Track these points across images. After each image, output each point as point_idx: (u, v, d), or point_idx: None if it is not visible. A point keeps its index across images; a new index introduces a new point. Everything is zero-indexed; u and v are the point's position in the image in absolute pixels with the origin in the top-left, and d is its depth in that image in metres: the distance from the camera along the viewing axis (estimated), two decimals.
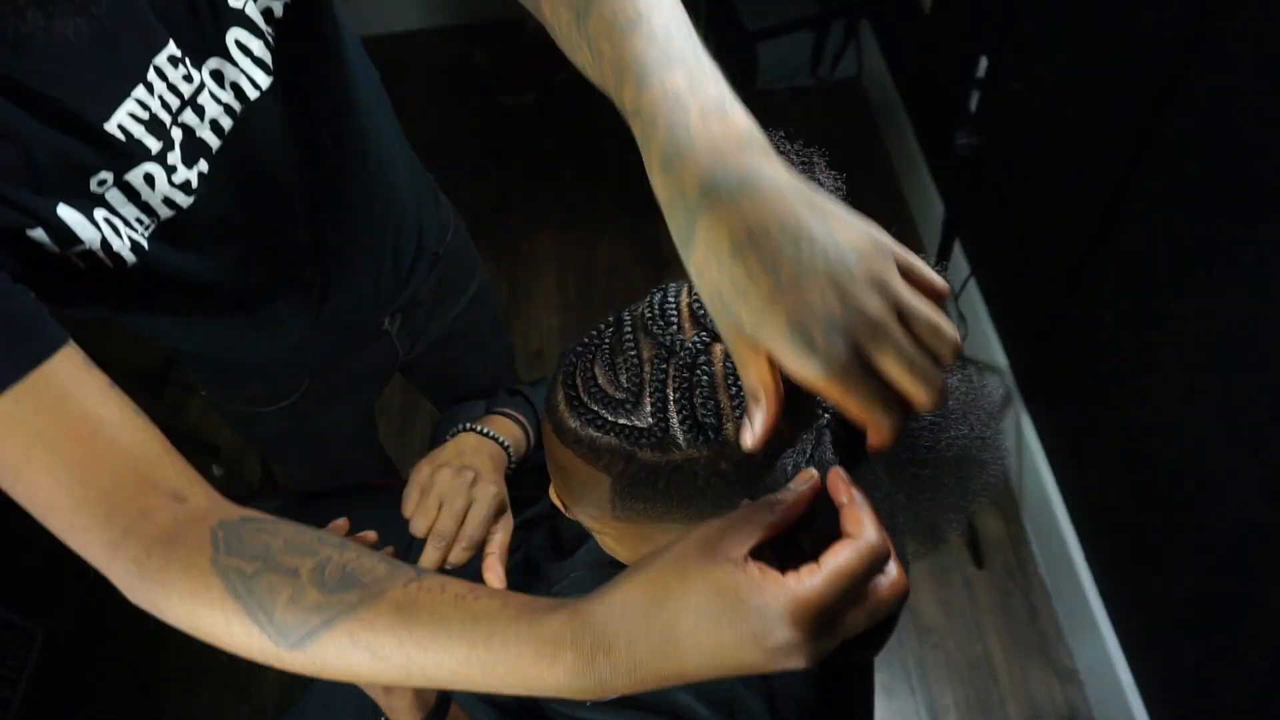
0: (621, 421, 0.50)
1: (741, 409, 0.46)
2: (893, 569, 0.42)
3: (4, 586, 1.86)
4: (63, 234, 0.57)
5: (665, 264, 2.26)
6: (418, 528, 0.79)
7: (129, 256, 0.62)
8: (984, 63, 1.37)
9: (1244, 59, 1.03)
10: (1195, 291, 1.16)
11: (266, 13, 0.65)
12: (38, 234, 0.56)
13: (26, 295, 0.55)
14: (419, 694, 0.70)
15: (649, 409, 0.49)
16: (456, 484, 0.79)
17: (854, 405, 0.38)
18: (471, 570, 0.81)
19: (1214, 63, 1.08)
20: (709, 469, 0.48)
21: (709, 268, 0.39)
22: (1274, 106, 0.98)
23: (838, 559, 0.40)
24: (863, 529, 0.41)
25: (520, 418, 0.92)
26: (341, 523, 0.79)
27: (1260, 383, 1.06)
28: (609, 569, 0.75)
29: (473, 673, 0.44)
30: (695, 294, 0.51)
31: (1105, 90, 1.33)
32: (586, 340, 0.53)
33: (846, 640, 0.69)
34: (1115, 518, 1.47)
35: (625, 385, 0.50)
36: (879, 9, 2.44)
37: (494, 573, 0.79)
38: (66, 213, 0.57)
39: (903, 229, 2.27)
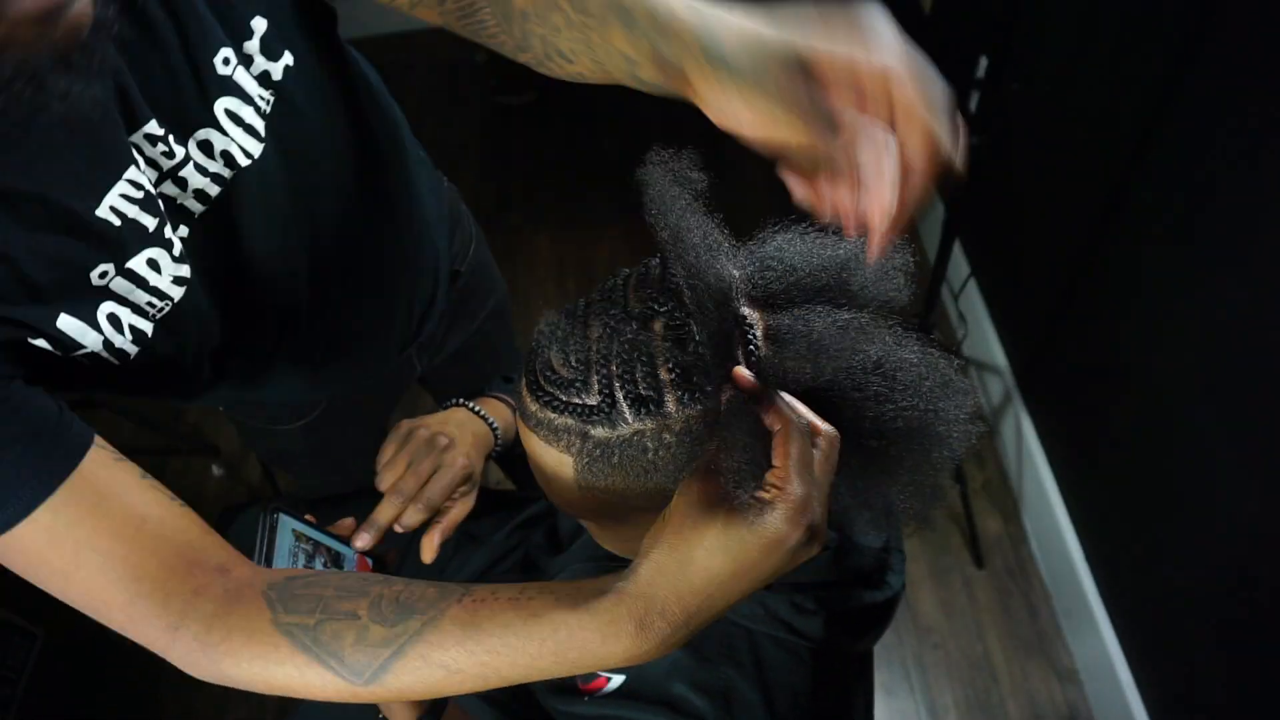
0: (574, 401, 0.52)
1: (678, 383, 0.50)
2: (822, 431, 0.48)
3: (4, 586, 1.85)
4: (64, 343, 0.56)
5: None
6: (382, 481, 0.80)
7: (131, 350, 0.60)
8: (984, 63, 1.37)
9: (1244, 58, 1.03)
10: (1195, 290, 1.16)
11: (263, 76, 0.63)
12: (40, 343, 0.55)
13: (45, 399, 0.55)
14: None
15: (596, 387, 0.52)
16: (428, 447, 0.81)
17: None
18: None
19: (1213, 62, 1.08)
20: (656, 440, 0.51)
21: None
22: (1274, 106, 0.98)
23: (787, 454, 0.46)
24: (779, 421, 0.47)
25: (513, 402, 0.94)
26: (348, 521, 0.79)
27: (1260, 382, 1.06)
28: (604, 562, 0.76)
29: (545, 664, 0.48)
30: (639, 274, 0.54)
31: (1105, 90, 1.33)
32: (546, 328, 0.56)
33: (844, 629, 0.69)
34: (1115, 518, 1.47)
35: (574, 365, 0.53)
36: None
37: (429, 545, 0.80)
38: (67, 323, 0.55)
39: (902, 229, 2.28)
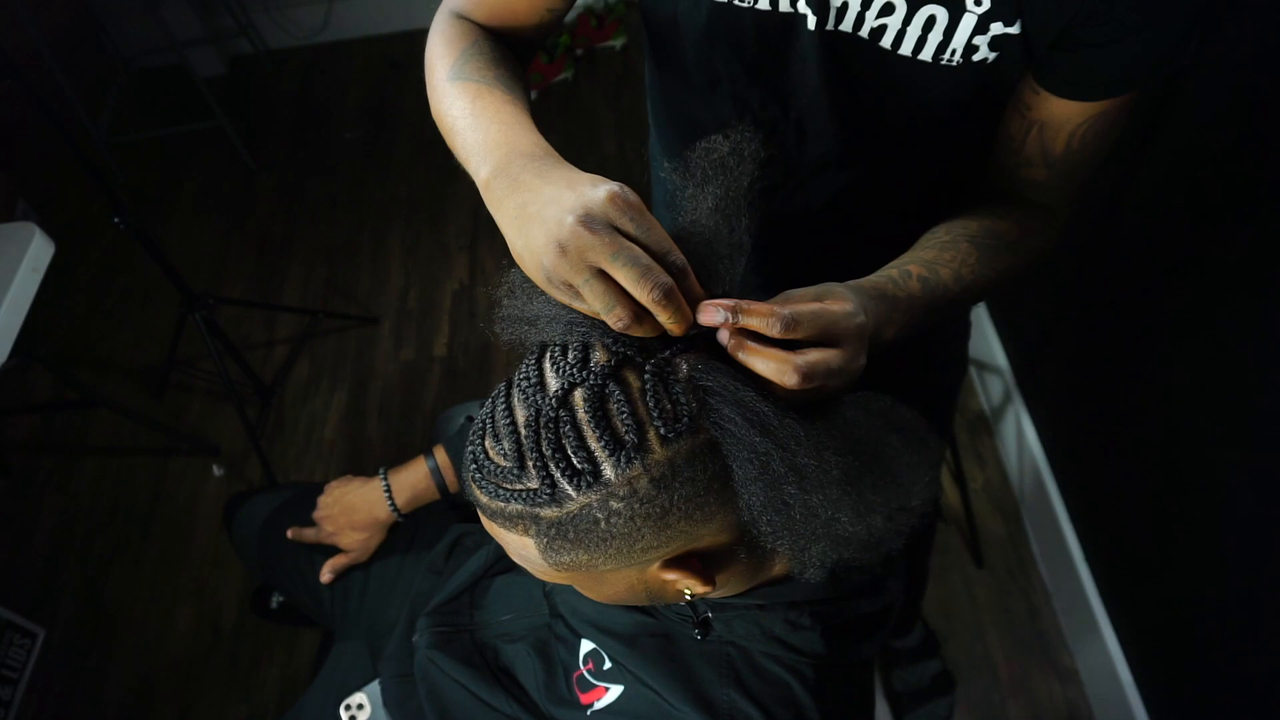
0: (517, 487, 0.53)
1: (610, 448, 0.50)
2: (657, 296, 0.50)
3: (4, 586, 1.86)
4: None
5: None
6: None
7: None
8: None
9: (1245, 57, 1.03)
10: (1194, 290, 1.16)
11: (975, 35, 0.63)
12: None
13: None
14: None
15: (533, 470, 0.52)
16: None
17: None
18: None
19: (1215, 61, 1.08)
20: (604, 509, 0.51)
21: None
22: (1275, 105, 0.98)
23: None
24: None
25: (442, 459, 1.05)
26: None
27: (1260, 381, 1.06)
28: None
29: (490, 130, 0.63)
30: (552, 350, 0.55)
31: None
32: (479, 417, 0.57)
33: (844, 639, 0.69)
34: (1115, 518, 1.47)
35: (508, 453, 0.53)
36: None
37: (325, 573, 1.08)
38: None
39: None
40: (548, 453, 0.51)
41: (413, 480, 1.05)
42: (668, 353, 0.52)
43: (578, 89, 2.78)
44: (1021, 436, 1.74)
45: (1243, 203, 1.06)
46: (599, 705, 0.72)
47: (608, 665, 0.73)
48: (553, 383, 0.53)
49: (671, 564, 0.56)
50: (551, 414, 0.52)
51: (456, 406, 1.27)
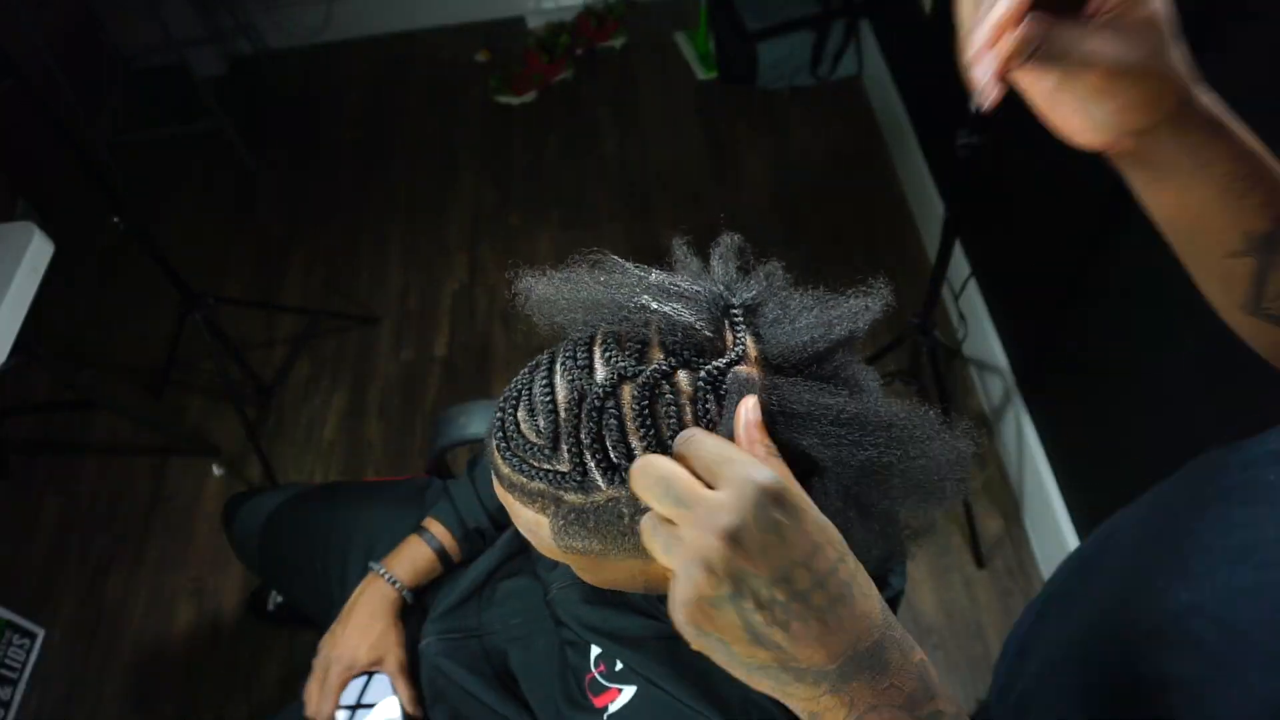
0: (545, 466, 0.51)
1: (652, 449, 0.48)
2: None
3: (4, 586, 1.86)
4: None
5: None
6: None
7: None
8: None
9: (1245, 59, 1.03)
10: (1195, 291, 1.16)
11: None
12: None
13: None
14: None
15: (566, 455, 0.51)
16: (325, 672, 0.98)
17: None
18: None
19: (1215, 61, 1.08)
20: (632, 506, 0.50)
21: None
22: (1275, 105, 0.98)
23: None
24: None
25: (433, 529, 1.01)
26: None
27: (1260, 383, 1.06)
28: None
29: None
30: (605, 339, 0.53)
31: None
32: (513, 385, 0.55)
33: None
34: None
35: (543, 430, 0.51)
36: (879, 9, 2.44)
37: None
38: None
39: (903, 229, 2.28)
40: (585, 440, 0.50)
41: (411, 556, 1.00)
42: (723, 362, 0.50)
43: (578, 89, 2.78)
44: (1021, 436, 1.74)
45: None
46: (614, 708, 0.71)
47: (619, 666, 0.73)
48: (601, 370, 0.51)
49: None
50: (597, 403, 0.50)
51: (456, 406, 1.27)
